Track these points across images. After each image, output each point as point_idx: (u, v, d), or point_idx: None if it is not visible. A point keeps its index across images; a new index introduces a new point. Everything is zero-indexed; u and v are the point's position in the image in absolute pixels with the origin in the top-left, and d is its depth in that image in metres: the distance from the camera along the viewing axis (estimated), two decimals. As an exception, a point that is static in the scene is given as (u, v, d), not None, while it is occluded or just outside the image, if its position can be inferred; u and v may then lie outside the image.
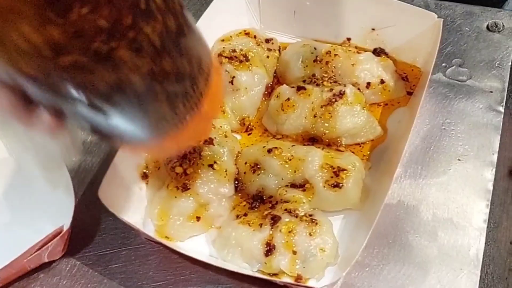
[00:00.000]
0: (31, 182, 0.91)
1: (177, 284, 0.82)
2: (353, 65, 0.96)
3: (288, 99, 0.93)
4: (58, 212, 0.83)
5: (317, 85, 0.95)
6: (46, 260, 0.82)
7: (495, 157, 0.91)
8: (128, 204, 0.85)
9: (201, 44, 0.59)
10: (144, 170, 0.89)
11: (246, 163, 0.89)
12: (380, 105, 0.98)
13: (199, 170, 0.85)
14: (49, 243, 0.78)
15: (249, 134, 0.98)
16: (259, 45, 1.01)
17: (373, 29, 1.02)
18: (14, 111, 0.53)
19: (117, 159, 0.83)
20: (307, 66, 0.99)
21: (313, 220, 0.81)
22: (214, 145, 0.89)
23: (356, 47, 1.03)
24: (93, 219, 0.89)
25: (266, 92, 1.00)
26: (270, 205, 0.85)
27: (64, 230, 0.79)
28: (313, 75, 0.98)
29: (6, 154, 0.94)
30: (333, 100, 0.91)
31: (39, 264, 0.82)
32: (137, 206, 0.87)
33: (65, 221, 0.79)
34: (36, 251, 0.78)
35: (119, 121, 0.53)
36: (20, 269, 0.81)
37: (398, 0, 0.99)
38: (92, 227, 0.88)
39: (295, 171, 0.86)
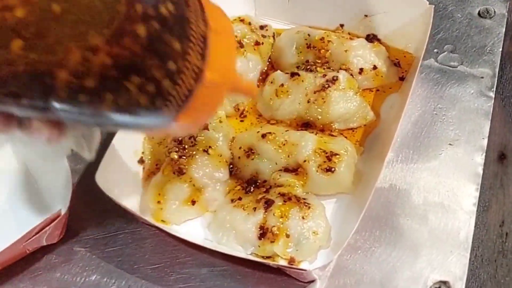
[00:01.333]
0: (29, 165, 0.92)
1: (173, 266, 0.84)
2: (346, 51, 0.98)
3: (282, 85, 0.94)
4: (56, 195, 0.84)
5: (311, 71, 0.96)
6: (45, 244, 0.83)
7: (485, 142, 0.92)
8: (125, 188, 0.86)
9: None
10: (141, 155, 0.91)
11: (240, 148, 0.90)
12: (372, 91, 0.99)
13: (194, 155, 0.87)
14: (47, 227, 0.79)
15: (241, 121, 0.99)
16: (253, 31, 1.02)
17: (366, 16, 1.03)
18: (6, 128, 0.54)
19: (114, 144, 0.85)
20: (301, 52, 1.00)
21: (306, 204, 0.83)
22: (209, 130, 0.90)
23: (349, 33, 1.04)
24: (90, 203, 0.90)
25: (260, 78, 1.01)
26: (264, 189, 0.87)
27: (62, 214, 0.80)
28: (307, 61, 0.99)
29: (3, 137, 0.95)
30: (326, 85, 0.92)
31: (37, 248, 0.84)
32: (133, 190, 0.88)
33: (63, 205, 0.80)
34: (34, 235, 0.79)
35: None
36: (19, 253, 0.82)
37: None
38: (89, 211, 0.89)
39: (288, 156, 0.88)
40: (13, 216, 0.88)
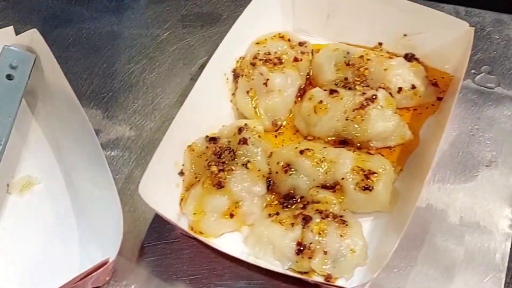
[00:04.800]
0: (84, 209, 0.91)
1: (210, 278, 0.85)
2: (385, 70, 0.99)
3: (321, 101, 0.95)
4: (105, 242, 0.84)
5: (349, 88, 0.97)
6: (90, 287, 0.83)
7: (522, 164, 0.93)
8: (165, 199, 0.88)
9: None
10: (181, 167, 0.92)
11: (278, 163, 0.91)
12: (410, 110, 1.00)
13: (234, 169, 0.88)
14: (94, 273, 0.78)
15: (276, 136, 1.00)
16: (292, 48, 1.03)
17: (405, 35, 1.04)
18: None
19: (156, 156, 0.86)
20: (339, 69, 1.01)
21: (344, 222, 0.83)
22: (248, 144, 0.91)
23: (387, 52, 1.05)
24: (130, 213, 0.91)
25: (298, 94, 1.02)
26: (302, 205, 0.88)
27: (109, 262, 0.79)
28: (345, 78, 1.00)
29: (61, 178, 0.96)
30: (365, 104, 0.93)
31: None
32: (173, 201, 0.90)
33: (112, 252, 0.79)
34: (80, 280, 0.78)
35: None
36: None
37: (430, 8, 1.02)
38: (129, 221, 0.90)
39: (326, 173, 0.89)
40: (61, 256, 0.87)
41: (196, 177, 0.91)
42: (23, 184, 0.94)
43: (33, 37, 1.03)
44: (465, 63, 0.94)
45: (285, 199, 0.90)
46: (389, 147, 0.95)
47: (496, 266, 0.83)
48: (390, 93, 0.97)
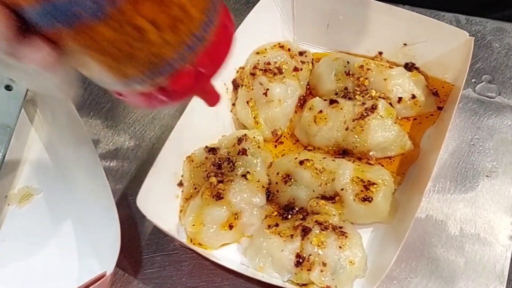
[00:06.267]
0: (83, 221, 0.91)
1: (209, 290, 0.85)
2: (385, 79, 0.98)
3: (321, 111, 0.95)
4: (102, 256, 0.84)
5: (349, 98, 0.97)
6: None
7: (522, 175, 0.92)
8: (164, 211, 0.88)
9: None
10: (180, 178, 0.92)
11: (278, 173, 0.91)
12: (410, 120, 0.99)
13: (233, 180, 0.88)
14: (91, 287, 0.77)
15: (276, 146, 1.00)
16: (292, 57, 1.03)
17: (405, 44, 1.04)
18: (6, 37, 0.47)
19: (155, 166, 0.86)
20: (339, 79, 1.01)
21: (343, 233, 0.83)
22: (247, 155, 0.91)
23: (387, 61, 1.05)
24: (129, 224, 0.91)
25: (298, 104, 1.02)
26: (301, 216, 0.87)
27: (107, 275, 0.78)
28: (346, 88, 1.00)
29: (60, 188, 0.95)
30: (365, 114, 0.92)
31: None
32: (172, 213, 0.89)
33: (109, 266, 0.78)
34: None
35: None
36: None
37: (430, 17, 1.02)
38: (127, 232, 0.90)
39: (326, 183, 0.88)
40: (59, 266, 0.87)
41: (195, 188, 0.91)
42: (22, 195, 0.94)
43: (32, 47, 1.02)
44: (465, 73, 0.93)
45: (284, 210, 0.90)
46: (389, 157, 0.95)
47: (496, 278, 0.83)
48: (390, 103, 0.96)
